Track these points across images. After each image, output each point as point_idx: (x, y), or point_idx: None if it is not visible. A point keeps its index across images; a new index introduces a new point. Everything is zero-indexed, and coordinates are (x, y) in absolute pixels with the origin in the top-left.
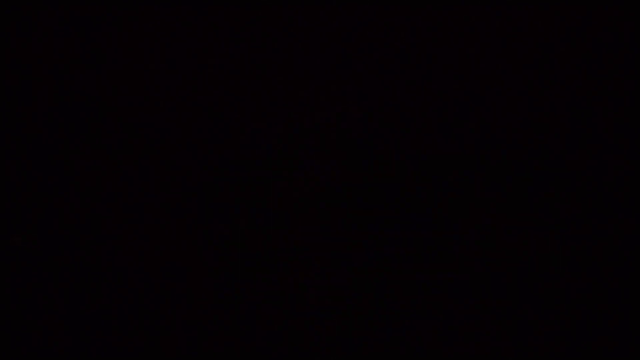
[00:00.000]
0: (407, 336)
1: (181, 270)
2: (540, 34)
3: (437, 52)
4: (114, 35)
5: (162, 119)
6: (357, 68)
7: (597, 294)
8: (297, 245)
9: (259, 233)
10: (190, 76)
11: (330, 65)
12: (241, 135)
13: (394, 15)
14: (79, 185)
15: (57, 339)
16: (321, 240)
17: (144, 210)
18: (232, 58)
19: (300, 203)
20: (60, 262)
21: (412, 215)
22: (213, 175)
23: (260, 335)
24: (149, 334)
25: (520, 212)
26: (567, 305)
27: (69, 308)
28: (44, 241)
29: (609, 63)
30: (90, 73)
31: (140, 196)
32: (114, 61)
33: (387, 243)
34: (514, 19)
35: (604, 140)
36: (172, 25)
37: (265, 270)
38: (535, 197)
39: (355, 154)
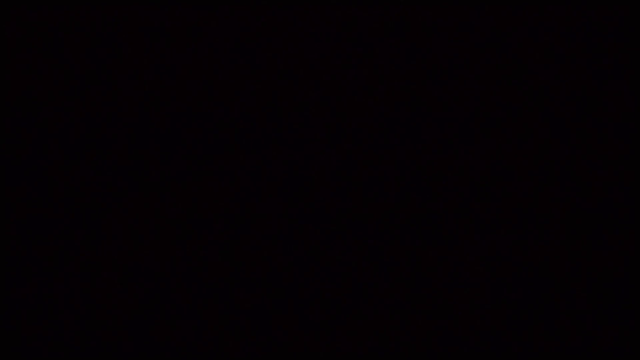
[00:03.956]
0: (406, 336)
1: (180, 270)
2: (541, 33)
3: (437, 52)
4: (114, 35)
5: (162, 119)
6: (357, 68)
7: (597, 294)
8: (297, 245)
9: (259, 233)
10: (190, 76)
11: (330, 65)
12: (241, 135)
13: (395, 15)
14: (79, 185)
15: (57, 339)
16: (321, 240)
17: (144, 210)
18: (232, 58)
19: (300, 203)
20: (60, 262)
21: (412, 215)
22: (212, 176)
23: (259, 335)
24: (148, 334)
25: (520, 212)
26: (567, 305)
27: (69, 308)
28: (43, 241)
29: (609, 63)
30: (91, 73)
31: (140, 196)
32: (114, 61)
33: (387, 243)
34: (514, 19)
35: (604, 140)
36: (172, 25)
37: (265, 270)
38: (535, 197)
39: (355, 153)
